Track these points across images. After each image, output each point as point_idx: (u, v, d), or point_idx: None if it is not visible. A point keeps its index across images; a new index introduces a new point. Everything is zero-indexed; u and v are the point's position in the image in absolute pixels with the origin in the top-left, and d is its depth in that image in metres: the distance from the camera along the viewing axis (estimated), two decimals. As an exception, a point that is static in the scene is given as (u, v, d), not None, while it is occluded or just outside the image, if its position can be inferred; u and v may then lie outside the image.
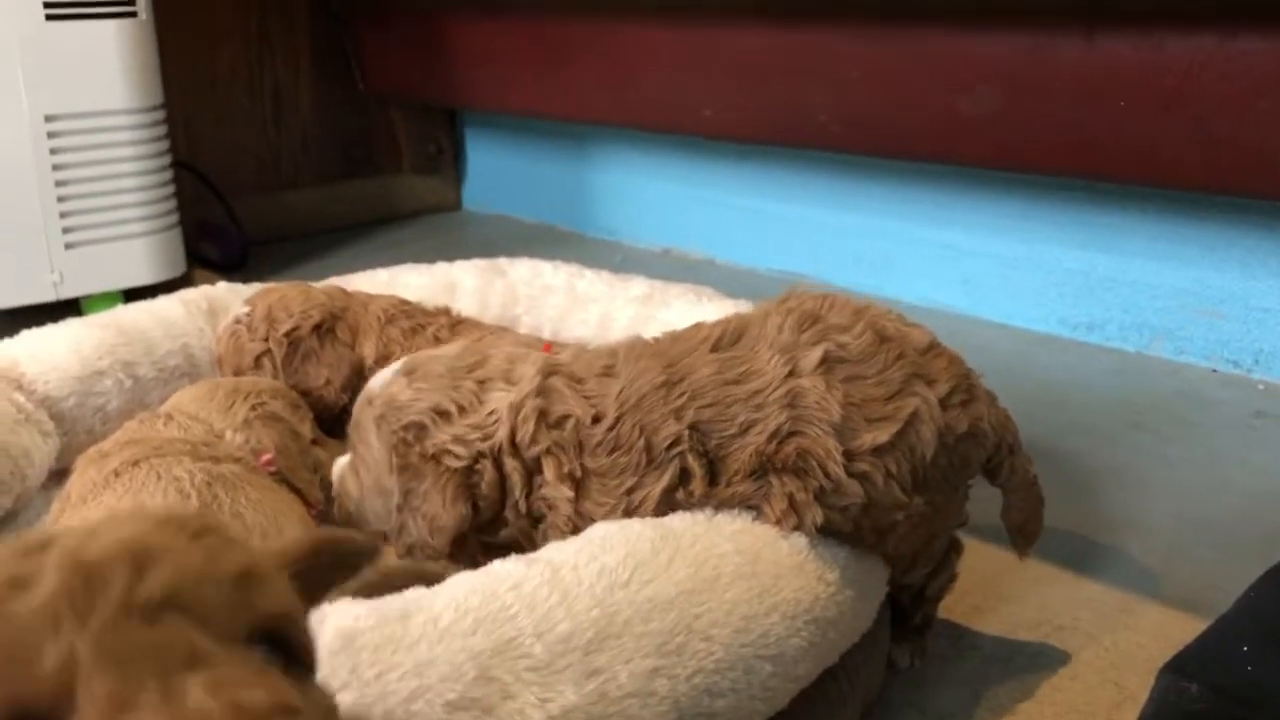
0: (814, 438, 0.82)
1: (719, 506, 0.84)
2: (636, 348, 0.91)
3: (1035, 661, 0.98)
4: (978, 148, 1.53)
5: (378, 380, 0.93)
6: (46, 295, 1.92)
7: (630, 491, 0.85)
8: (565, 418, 0.86)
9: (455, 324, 1.20)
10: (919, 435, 0.83)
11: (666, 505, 0.85)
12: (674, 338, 0.92)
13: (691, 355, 0.88)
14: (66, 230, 1.91)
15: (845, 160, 2.03)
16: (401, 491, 0.88)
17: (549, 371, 0.88)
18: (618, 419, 0.85)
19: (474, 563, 0.86)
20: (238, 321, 1.21)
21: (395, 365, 0.93)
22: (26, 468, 1.10)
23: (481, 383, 0.89)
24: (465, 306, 1.34)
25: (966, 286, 1.93)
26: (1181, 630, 0.96)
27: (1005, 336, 1.83)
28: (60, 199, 1.89)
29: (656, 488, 0.84)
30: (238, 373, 1.19)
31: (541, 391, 0.87)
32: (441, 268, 1.41)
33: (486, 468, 0.86)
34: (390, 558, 0.86)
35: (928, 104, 1.53)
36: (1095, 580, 1.10)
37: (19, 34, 1.79)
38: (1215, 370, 1.66)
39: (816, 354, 0.84)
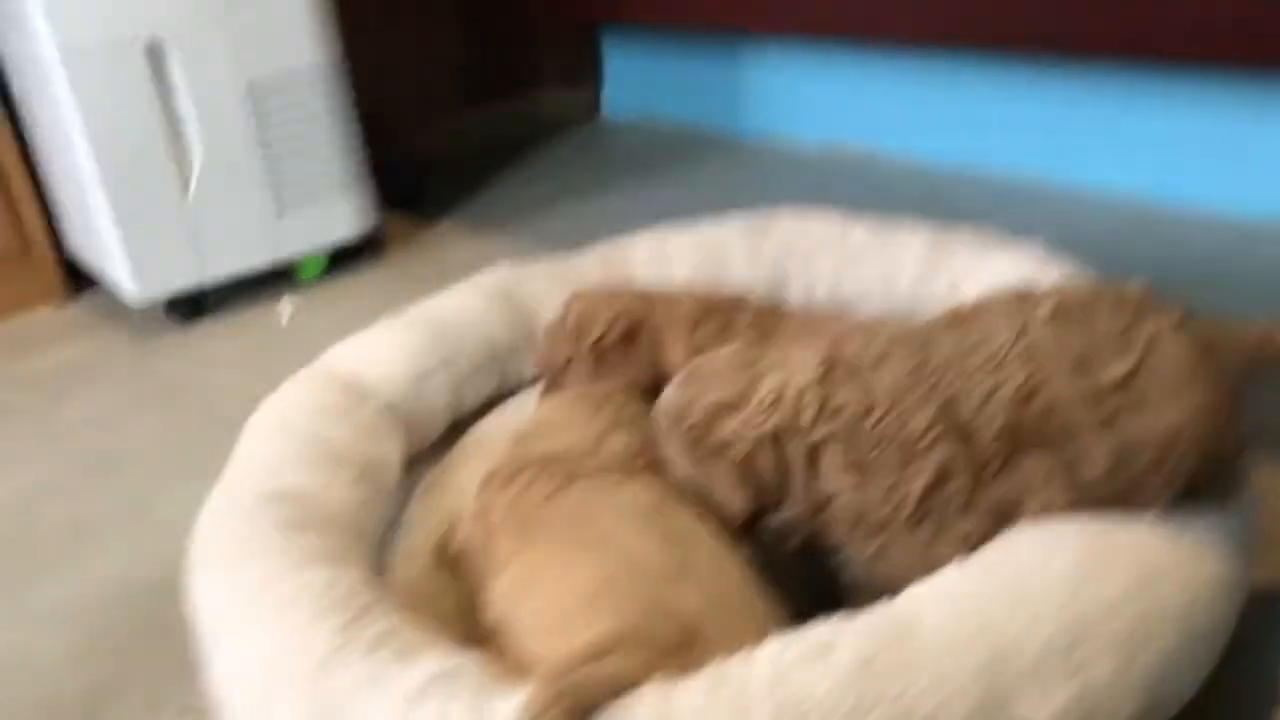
0: (1056, 386, 0.84)
1: (985, 516, 0.87)
2: (902, 335, 0.94)
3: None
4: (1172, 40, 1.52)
5: (664, 395, 1.00)
6: (262, 263, 1.99)
7: (893, 488, 0.88)
8: (842, 408, 0.90)
9: (761, 315, 1.24)
10: (1167, 348, 0.84)
11: (931, 505, 0.87)
12: (919, 324, 0.96)
13: (932, 336, 0.91)
14: (275, 196, 1.97)
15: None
16: (703, 484, 0.95)
17: (831, 362, 0.92)
18: (885, 412, 0.88)
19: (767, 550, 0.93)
20: (551, 326, 1.28)
21: (677, 378, 1.00)
22: (390, 475, 1.18)
23: (755, 375, 0.94)
24: (736, 274, 1.39)
25: (1162, 173, 1.91)
26: None
27: (1210, 228, 1.81)
28: (266, 164, 1.94)
29: (916, 484, 0.87)
30: (552, 371, 1.27)
31: (824, 380, 0.91)
32: (706, 231, 1.44)
33: (766, 453, 0.91)
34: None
35: None
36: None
37: (224, 5, 1.82)
38: None
39: (1046, 307, 0.88)
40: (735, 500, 0.93)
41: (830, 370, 0.92)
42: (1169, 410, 0.83)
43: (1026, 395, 0.85)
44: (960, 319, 0.92)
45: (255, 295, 2.01)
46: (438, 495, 1.21)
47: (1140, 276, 0.95)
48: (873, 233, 1.36)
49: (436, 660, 0.81)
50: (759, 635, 0.81)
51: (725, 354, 0.98)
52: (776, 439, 0.91)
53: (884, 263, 1.33)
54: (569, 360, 1.23)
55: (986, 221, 1.43)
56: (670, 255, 1.43)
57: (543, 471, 0.98)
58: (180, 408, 1.70)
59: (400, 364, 1.26)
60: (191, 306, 1.96)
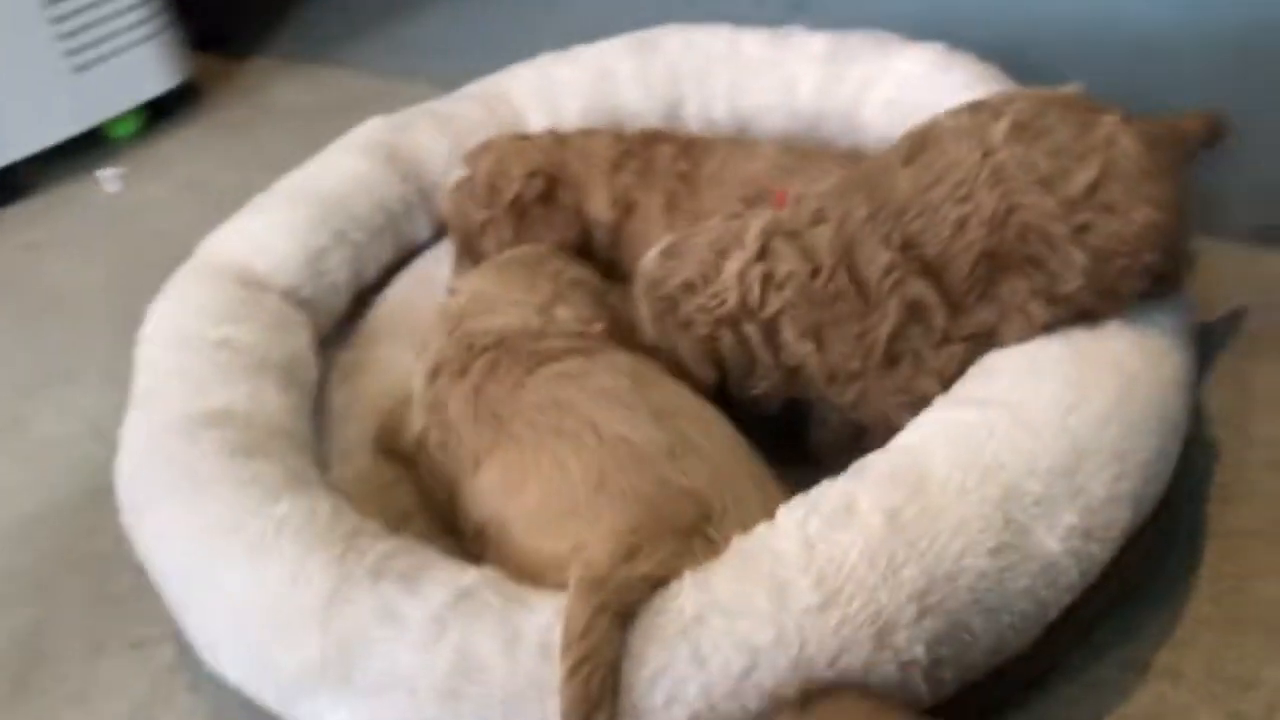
0: (1030, 204, 0.85)
1: (962, 345, 0.88)
2: (843, 183, 0.93)
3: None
4: None
5: (644, 260, 0.97)
6: (70, 129, 1.78)
7: (859, 338, 0.89)
8: (787, 277, 0.89)
9: (682, 150, 1.16)
10: (1123, 150, 0.86)
11: (902, 344, 0.88)
12: (872, 163, 0.95)
13: (887, 175, 0.90)
14: (71, 53, 1.74)
15: None
16: (667, 350, 0.95)
17: (769, 232, 0.91)
18: (833, 267, 0.88)
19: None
20: (459, 187, 1.18)
21: (659, 245, 0.97)
22: (309, 369, 1.10)
23: (721, 253, 0.92)
24: (629, 97, 1.32)
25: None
26: None
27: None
28: (53, 17, 1.71)
29: (882, 329, 0.88)
30: (466, 236, 1.19)
31: (763, 255, 0.90)
32: (587, 54, 1.35)
33: (725, 333, 0.92)
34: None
35: None
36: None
37: None
38: None
39: (1003, 124, 0.88)
40: (702, 374, 0.93)
41: (769, 241, 0.90)
42: (1138, 209, 0.84)
43: (1001, 218, 0.84)
44: (916, 148, 0.90)
45: (71, 167, 1.80)
46: (359, 380, 1.15)
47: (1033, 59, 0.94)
48: (765, 42, 1.30)
49: (447, 582, 0.77)
50: (765, 498, 0.81)
51: (708, 227, 0.95)
52: (732, 321, 0.91)
53: (782, 73, 1.27)
54: (484, 223, 1.16)
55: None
56: (556, 87, 1.34)
57: (502, 357, 0.93)
58: (19, 304, 1.53)
59: (291, 245, 1.16)
60: (0, 188, 1.75)
